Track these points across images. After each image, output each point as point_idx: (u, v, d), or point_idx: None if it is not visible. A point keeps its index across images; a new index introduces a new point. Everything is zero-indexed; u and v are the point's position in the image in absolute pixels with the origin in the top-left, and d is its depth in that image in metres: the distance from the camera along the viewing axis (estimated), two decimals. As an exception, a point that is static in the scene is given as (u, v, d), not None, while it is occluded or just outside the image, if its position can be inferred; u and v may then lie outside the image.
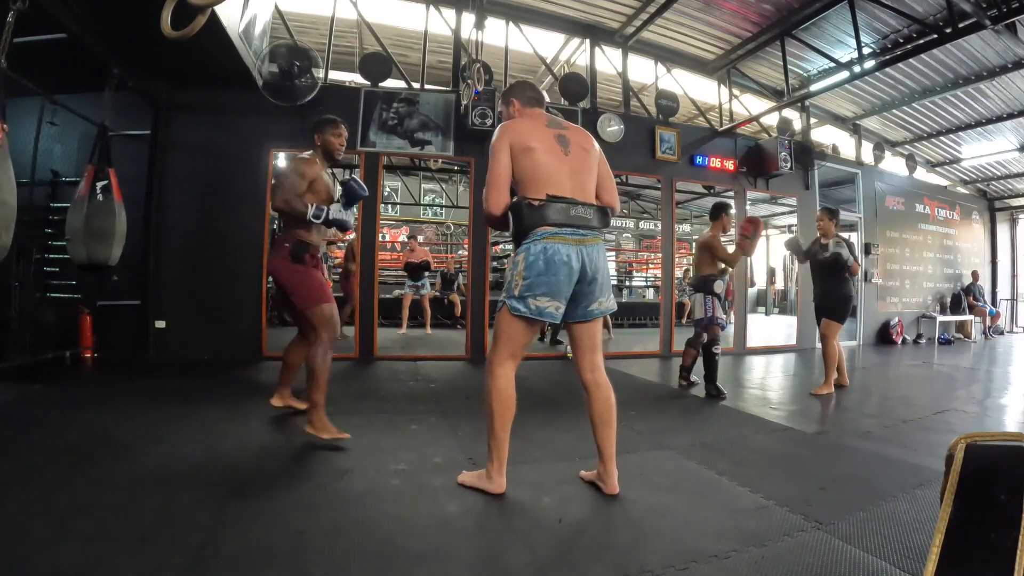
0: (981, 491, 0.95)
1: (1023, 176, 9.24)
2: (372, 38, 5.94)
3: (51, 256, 4.49)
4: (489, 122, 5.20)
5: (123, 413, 2.94)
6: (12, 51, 2.93)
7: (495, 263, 8.95)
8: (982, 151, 8.48)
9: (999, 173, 9.33)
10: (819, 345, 4.56)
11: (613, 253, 12.39)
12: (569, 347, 4.15)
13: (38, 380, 3.60)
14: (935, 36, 5.02)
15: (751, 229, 3.89)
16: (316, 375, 2.55)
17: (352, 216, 2.67)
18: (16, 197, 2.83)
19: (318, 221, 2.56)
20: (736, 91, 7.24)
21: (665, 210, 6.65)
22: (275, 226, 5.15)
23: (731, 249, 4.09)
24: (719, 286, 4.03)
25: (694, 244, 4.54)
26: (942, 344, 8.18)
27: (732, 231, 4.29)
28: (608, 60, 6.58)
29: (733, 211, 4.92)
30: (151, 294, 4.83)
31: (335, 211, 2.58)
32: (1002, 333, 9.88)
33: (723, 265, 4.07)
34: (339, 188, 2.68)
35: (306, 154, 2.69)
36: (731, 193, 7.08)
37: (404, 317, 7.43)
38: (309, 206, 2.54)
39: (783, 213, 11.48)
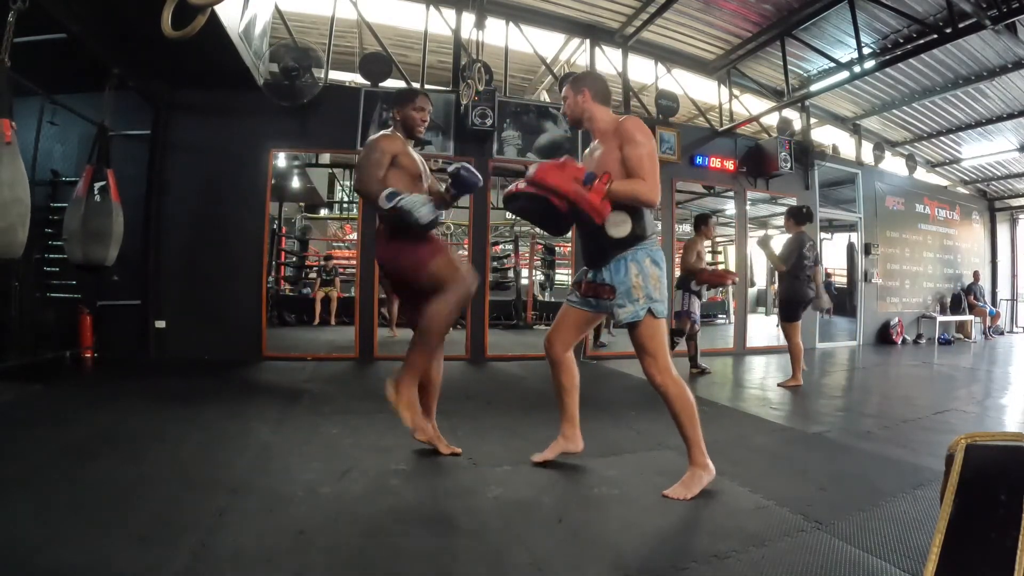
0: (981, 491, 0.95)
1: (1023, 176, 9.24)
2: (372, 38, 5.94)
3: (51, 256, 4.48)
4: (489, 122, 5.18)
5: (123, 413, 2.94)
6: (12, 51, 2.93)
7: (495, 263, 8.95)
8: (982, 151, 8.47)
9: (999, 173, 9.32)
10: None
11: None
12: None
13: (38, 380, 3.60)
14: (935, 36, 5.02)
15: (729, 278, 5.22)
16: (425, 337, 2.24)
17: (433, 212, 2.11)
18: (29, 194, 2.83)
19: (385, 208, 2.11)
20: (736, 91, 7.24)
21: (665, 210, 6.65)
22: (275, 226, 5.15)
23: (700, 266, 4.85)
24: (693, 285, 4.76)
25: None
26: (942, 344, 8.17)
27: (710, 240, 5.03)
28: (608, 60, 6.58)
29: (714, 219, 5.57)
30: (151, 294, 4.82)
31: (413, 202, 2.07)
32: (1002, 333, 9.87)
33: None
34: (446, 176, 2.29)
35: (387, 130, 2.40)
36: (731, 193, 7.08)
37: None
38: (385, 189, 2.14)
39: (783, 213, 11.46)
